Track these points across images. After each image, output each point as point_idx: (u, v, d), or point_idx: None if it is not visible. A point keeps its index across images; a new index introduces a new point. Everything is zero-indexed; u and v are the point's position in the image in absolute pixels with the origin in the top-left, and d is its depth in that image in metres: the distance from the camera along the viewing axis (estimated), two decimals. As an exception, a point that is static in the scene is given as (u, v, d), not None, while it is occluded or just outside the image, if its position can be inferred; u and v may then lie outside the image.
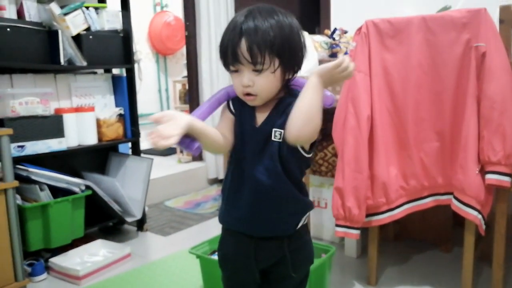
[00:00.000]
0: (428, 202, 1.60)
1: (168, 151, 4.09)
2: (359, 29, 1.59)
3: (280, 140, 0.89)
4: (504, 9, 1.41)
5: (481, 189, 1.40)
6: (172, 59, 5.13)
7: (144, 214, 2.31)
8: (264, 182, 0.88)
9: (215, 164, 3.30)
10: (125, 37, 2.23)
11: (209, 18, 3.15)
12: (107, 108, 2.23)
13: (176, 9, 4.93)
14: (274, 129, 0.88)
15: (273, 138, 0.88)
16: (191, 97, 3.42)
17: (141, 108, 4.66)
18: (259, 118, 0.91)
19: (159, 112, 0.80)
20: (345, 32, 2.27)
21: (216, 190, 3.19)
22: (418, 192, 1.60)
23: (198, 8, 3.19)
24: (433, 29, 1.45)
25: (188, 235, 2.30)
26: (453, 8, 2.03)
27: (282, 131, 0.87)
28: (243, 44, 0.82)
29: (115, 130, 2.18)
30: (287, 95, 0.92)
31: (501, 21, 1.41)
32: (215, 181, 3.36)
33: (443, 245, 1.99)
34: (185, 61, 3.64)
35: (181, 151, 3.63)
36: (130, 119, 2.30)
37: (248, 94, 0.87)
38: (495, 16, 1.43)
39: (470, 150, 1.40)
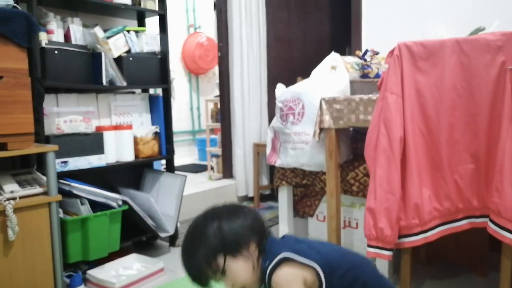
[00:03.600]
0: (463, 225, 1.58)
1: (199, 168, 4.17)
2: (391, 51, 1.61)
3: None
4: (540, 32, 1.40)
5: (519, 212, 1.37)
6: (204, 78, 5.28)
7: (176, 230, 2.37)
8: None
9: (245, 182, 3.34)
10: (162, 58, 2.33)
11: (242, 39, 3.24)
12: (143, 126, 2.32)
13: (208, 29, 5.10)
14: None
15: None
16: (223, 116, 3.49)
17: (173, 126, 4.83)
18: None
19: None
20: (377, 53, 2.30)
21: (245, 207, 3.22)
22: (452, 214, 1.57)
23: (231, 29, 3.29)
24: (467, 51, 1.46)
25: (219, 251, 2.33)
26: (487, 30, 2.03)
27: None
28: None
29: (150, 148, 2.26)
30: None
31: (537, 44, 1.40)
32: (245, 198, 3.40)
33: (478, 269, 1.93)
34: (216, 81, 3.74)
35: (212, 168, 3.69)
36: (166, 137, 2.38)
37: None
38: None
39: (506, 173, 1.38)
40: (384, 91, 1.59)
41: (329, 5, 3.66)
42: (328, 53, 2.24)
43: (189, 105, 5.15)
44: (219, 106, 3.61)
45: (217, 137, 3.76)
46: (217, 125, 3.68)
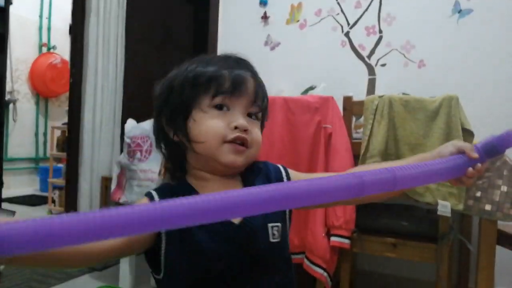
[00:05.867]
0: (286, 261, 1.77)
1: (39, 200, 3.78)
2: (232, 102, 1.77)
3: (279, 240, 0.67)
4: (346, 99, 1.71)
5: (327, 250, 1.60)
6: (55, 102, 4.89)
7: (-2, 273, 2.09)
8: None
9: (90, 217, 3.14)
10: (-3, 81, 2.12)
11: (97, 69, 3.14)
12: (-34, 154, 2.04)
13: (65, 51, 4.79)
14: (271, 225, 0.67)
15: (271, 239, 0.66)
16: (70, 145, 3.27)
17: (12, 152, 4.32)
18: None
19: None
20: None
21: (88, 245, 3.01)
22: (278, 252, 1.75)
23: (86, 57, 3.16)
24: (292, 109, 1.69)
25: (49, 296, 2.13)
26: (317, 88, 2.38)
27: (280, 225, 0.68)
28: (251, 80, 0.69)
29: (-27, 179, 2.00)
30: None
31: (344, 109, 1.71)
32: (88, 235, 3.18)
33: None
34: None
35: (53, 201, 3.39)
36: (-7, 167, 2.13)
37: (241, 144, 0.65)
38: (340, 102, 1.73)
39: (318, 216, 1.62)
40: (223, 137, 1.73)
41: (191, 46, 3.82)
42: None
43: (34, 130, 4.69)
44: (67, 134, 3.38)
45: (63, 167, 3.49)
46: (63, 155, 3.43)
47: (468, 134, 1.50)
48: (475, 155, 0.62)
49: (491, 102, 2.17)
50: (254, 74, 0.70)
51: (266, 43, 2.71)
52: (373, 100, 1.60)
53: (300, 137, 1.68)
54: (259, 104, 0.70)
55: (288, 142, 1.69)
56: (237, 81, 0.66)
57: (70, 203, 3.27)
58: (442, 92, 1.56)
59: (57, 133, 3.76)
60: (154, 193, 0.68)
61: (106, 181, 3.08)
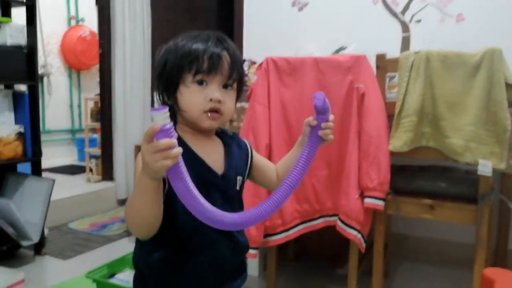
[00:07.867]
0: (319, 223, 1.76)
1: (77, 170, 3.92)
2: (260, 64, 1.73)
3: (239, 189, 0.89)
4: (379, 57, 1.64)
5: (361, 211, 1.58)
6: (87, 74, 4.97)
7: (42, 237, 2.21)
8: (241, 241, 0.90)
9: (125, 184, 3.23)
10: (29, 53, 2.15)
11: (125, 38, 3.14)
12: (5, 126, 2.12)
13: (93, 24, 4.81)
14: (238, 177, 0.88)
15: (237, 187, 0.88)
16: (103, 115, 3.34)
17: (50, 124, 4.47)
18: (210, 161, 0.85)
19: None
20: (254, 63, 2.43)
21: (124, 211, 3.12)
22: (310, 214, 1.75)
23: (113, 26, 3.17)
24: (323, 70, 1.63)
25: (91, 258, 2.23)
26: (347, 49, 2.29)
27: (242, 178, 0.90)
28: (225, 55, 0.82)
29: (13, 149, 2.08)
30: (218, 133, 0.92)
31: (377, 67, 1.63)
32: (124, 201, 3.29)
33: (337, 262, 2.16)
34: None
35: (91, 170, 3.50)
36: (31, 137, 2.20)
37: (216, 111, 0.82)
38: (373, 61, 1.66)
39: (352, 178, 1.58)
40: (253, 101, 1.70)
41: (216, 11, 3.75)
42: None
43: (69, 102, 4.81)
44: (99, 104, 3.44)
45: (98, 137, 3.59)
46: (97, 125, 3.51)
47: (512, 89, 1.41)
48: (314, 122, 0.83)
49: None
50: (230, 51, 0.84)
51: (293, 4, 2.62)
52: (408, 56, 1.52)
53: (332, 98, 1.61)
54: (234, 77, 0.84)
55: (319, 104, 1.64)
56: (213, 61, 0.81)
57: (107, 170, 3.37)
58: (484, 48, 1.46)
59: (90, 104, 3.83)
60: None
61: (139, 150, 3.14)
